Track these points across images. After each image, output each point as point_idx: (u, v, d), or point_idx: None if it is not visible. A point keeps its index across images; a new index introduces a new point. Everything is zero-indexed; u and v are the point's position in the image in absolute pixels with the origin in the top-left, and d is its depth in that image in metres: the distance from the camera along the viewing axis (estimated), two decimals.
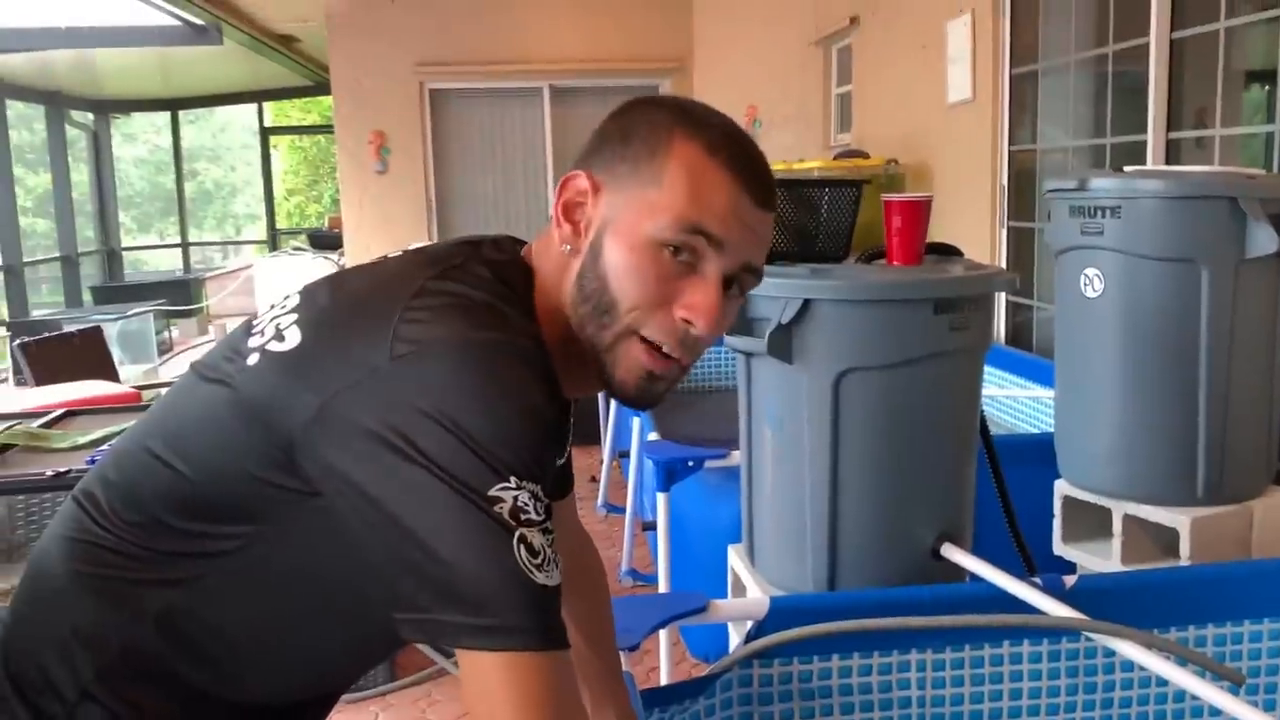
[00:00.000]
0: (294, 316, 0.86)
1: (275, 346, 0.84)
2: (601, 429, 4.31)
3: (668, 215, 0.85)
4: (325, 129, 13.15)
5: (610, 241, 0.86)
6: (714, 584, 2.01)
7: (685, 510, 2.66)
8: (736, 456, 1.96)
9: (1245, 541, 1.92)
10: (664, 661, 2.31)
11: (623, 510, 3.73)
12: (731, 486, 2.11)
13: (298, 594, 0.88)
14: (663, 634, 2.24)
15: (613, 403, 4.19)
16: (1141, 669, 1.45)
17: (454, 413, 0.74)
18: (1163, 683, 1.48)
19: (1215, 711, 1.47)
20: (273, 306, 0.91)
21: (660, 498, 2.49)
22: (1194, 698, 1.46)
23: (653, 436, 2.89)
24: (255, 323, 0.89)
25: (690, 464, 2.49)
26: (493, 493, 0.73)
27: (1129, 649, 1.36)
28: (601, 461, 4.31)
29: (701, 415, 3.43)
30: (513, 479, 0.74)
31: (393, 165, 7.88)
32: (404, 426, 0.74)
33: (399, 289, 0.82)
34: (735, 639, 1.78)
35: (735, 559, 1.95)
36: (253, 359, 0.84)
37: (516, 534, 0.73)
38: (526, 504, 0.74)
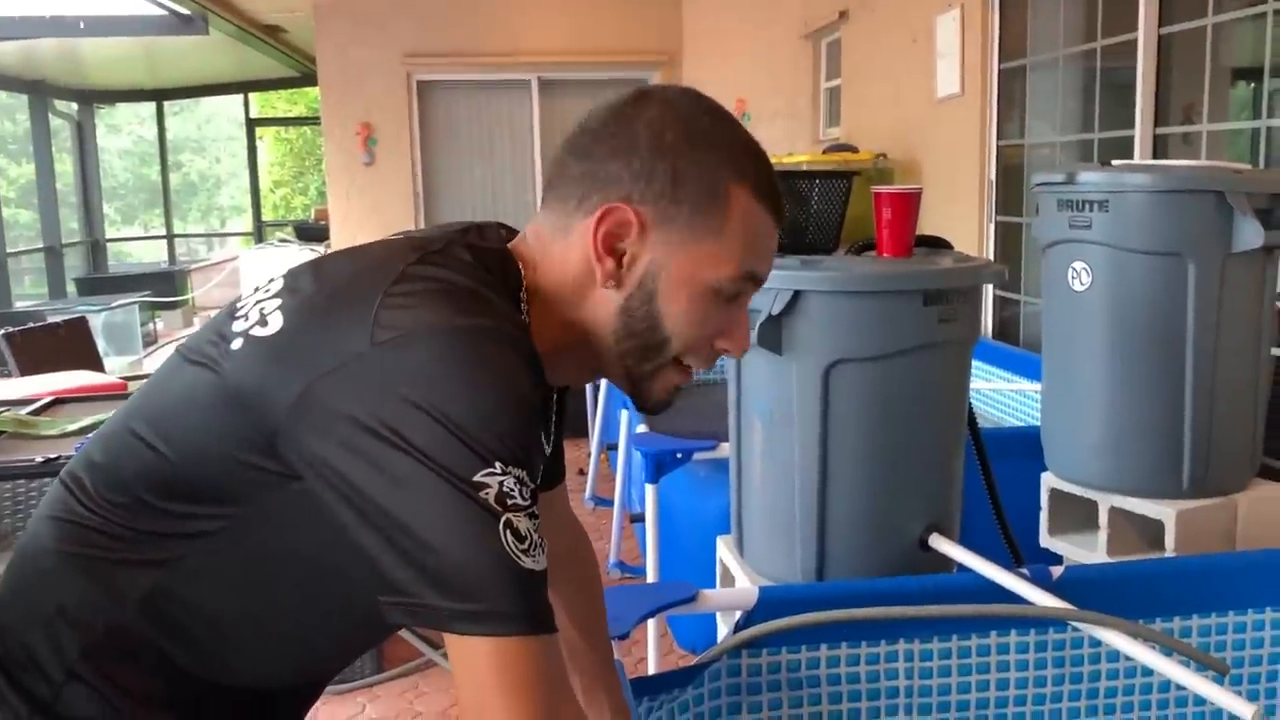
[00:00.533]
0: (277, 301, 0.85)
1: (259, 331, 0.83)
2: (589, 422, 4.30)
3: (730, 267, 0.89)
4: (312, 120, 13.10)
5: (667, 287, 0.88)
6: (701, 576, 2.01)
7: (673, 502, 2.67)
8: (725, 448, 1.96)
9: (1230, 534, 1.93)
10: (652, 652, 2.31)
11: (611, 503, 3.73)
12: (719, 478, 2.11)
13: (279, 577, 0.88)
14: (651, 624, 2.24)
15: (600, 396, 4.20)
16: (1127, 659, 1.46)
17: (439, 400, 0.73)
18: (1148, 672, 1.49)
19: (1200, 700, 1.48)
20: (256, 289, 0.90)
21: (649, 489, 2.50)
22: (1179, 687, 1.47)
23: (641, 429, 2.88)
24: (239, 306, 0.89)
25: (679, 456, 2.49)
26: (478, 479, 0.73)
27: (1115, 639, 1.37)
28: (589, 454, 4.31)
29: (689, 407, 3.43)
30: (498, 464, 0.74)
31: (380, 157, 7.86)
32: (389, 414, 0.74)
33: (380, 274, 0.81)
34: (723, 629, 1.78)
35: (724, 550, 1.95)
36: (237, 344, 0.84)
37: (503, 519, 0.73)
38: (512, 489, 0.74)
